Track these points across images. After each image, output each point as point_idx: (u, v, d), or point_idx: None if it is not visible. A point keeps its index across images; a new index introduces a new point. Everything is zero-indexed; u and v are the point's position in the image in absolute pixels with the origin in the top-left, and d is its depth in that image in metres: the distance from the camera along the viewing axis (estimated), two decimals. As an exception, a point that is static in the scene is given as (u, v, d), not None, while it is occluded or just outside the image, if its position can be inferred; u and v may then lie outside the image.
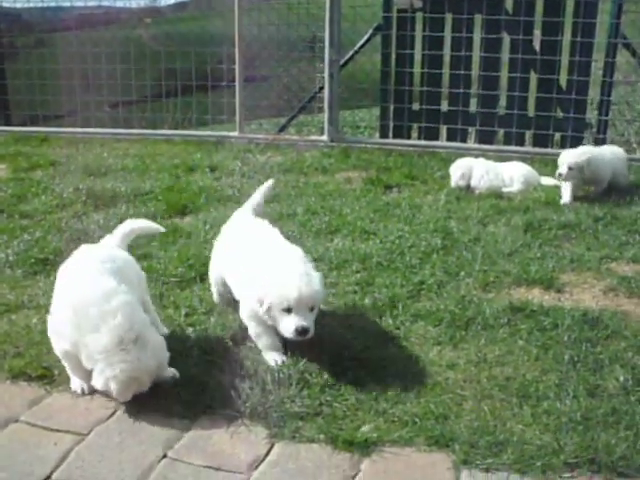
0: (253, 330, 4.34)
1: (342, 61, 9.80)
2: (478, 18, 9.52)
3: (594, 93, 9.48)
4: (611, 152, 7.67)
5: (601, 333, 4.58)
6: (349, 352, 4.28)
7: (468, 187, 7.67)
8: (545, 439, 3.54)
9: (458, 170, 7.74)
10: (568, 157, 7.25)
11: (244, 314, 4.38)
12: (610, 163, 7.42)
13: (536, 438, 3.56)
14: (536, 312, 4.79)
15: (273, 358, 4.20)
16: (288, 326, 4.06)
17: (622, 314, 4.90)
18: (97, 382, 3.76)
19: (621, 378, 4.06)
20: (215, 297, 4.97)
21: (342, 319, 4.76)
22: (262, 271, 4.23)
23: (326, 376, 4.04)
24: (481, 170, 7.74)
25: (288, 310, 4.07)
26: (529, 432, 3.61)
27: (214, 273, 4.94)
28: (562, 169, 7.20)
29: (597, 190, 7.35)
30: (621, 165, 7.63)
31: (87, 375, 3.87)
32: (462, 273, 5.45)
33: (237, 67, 9.85)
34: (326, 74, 9.56)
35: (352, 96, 10.83)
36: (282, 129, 10.85)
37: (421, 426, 3.65)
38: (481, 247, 5.95)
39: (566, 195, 7.18)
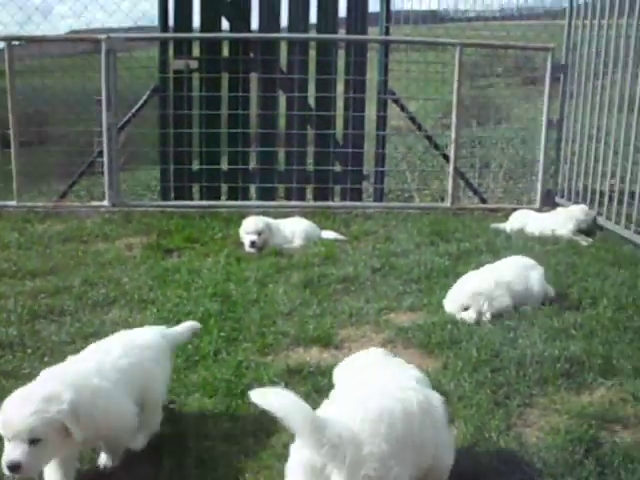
0: None
1: (120, 124, 9.57)
2: (254, 77, 9.61)
3: (369, 146, 9.78)
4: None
5: (378, 388, 4.58)
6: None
7: (261, 249, 7.63)
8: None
9: (261, 232, 7.72)
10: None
11: None
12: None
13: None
14: (313, 373, 4.74)
15: None
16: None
17: (399, 366, 4.94)
18: None
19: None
20: None
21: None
22: None
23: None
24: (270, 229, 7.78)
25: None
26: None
27: None
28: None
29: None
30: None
31: None
32: (240, 337, 5.33)
33: (12, 132, 9.36)
34: (104, 138, 9.27)
35: (132, 159, 10.60)
36: (63, 196, 10.43)
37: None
38: (260, 308, 5.88)
39: None
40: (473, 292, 5.67)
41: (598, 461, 3.80)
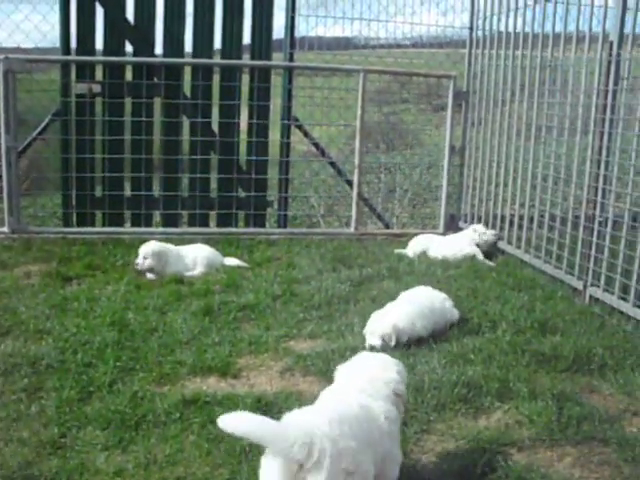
0: None
1: (20, 148, 9.32)
2: (157, 101, 9.52)
3: (273, 172, 9.79)
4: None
5: (275, 417, 4.48)
6: (5, 472, 3.88)
7: (157, 274, 7.56)
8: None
9: (146, 256, 7.63)
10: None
11: None
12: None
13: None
14: (209, 403, 4.67)
15: None
16: None
17: (297, 394, 4.93)
18: None
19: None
20: None
21: (3, 433, 4.35)
22: None
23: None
24: (171, 255, 7.71)
25: None
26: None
27: None
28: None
29: None
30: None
31: None
32: (137, 367, 5.23)
33: None
34: (3, 162, 9.02)
35: (35, 184, 10.35)
36: (-40, 222, 10.11)
37: None
38: (158, 337, 5.79)
39: None
40: (394, 324, 5.67)
41: (492, 485, 3.84)
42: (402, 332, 5.68)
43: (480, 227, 8.92)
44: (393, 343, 5.62)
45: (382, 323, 5.71)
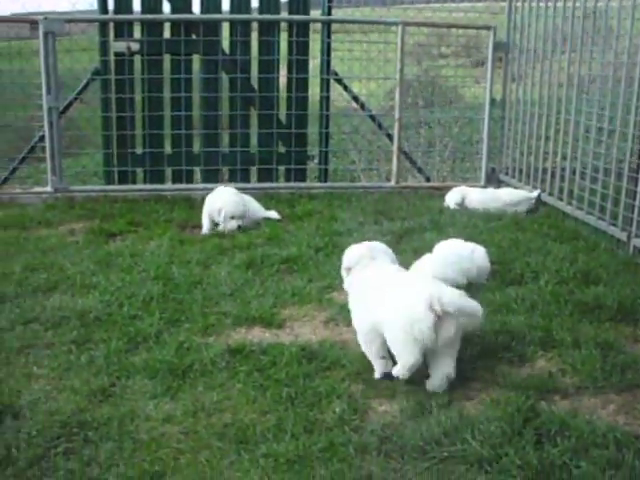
0: None
1: (61, 108, 9.40)
2: (196, 58, 9.52)
3: (313, 126, 9.77)
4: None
5: (319, 366, 4.61)
6: (60, 417, 3.99)
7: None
8: (261, 484, 3.46)
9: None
10: None
11: None
12: None
13: (253, 484, 3.47)
14: (255, 352, 4.74)
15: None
16: None
17: (341, 343, 4.98)
18: None
19: (337, 409, 4.09)
20: None
21: (56, 381, 4.47)
22: None
23: (34, 449, 3.73)
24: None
25: None
26: (246, 479, 3.51)
27: None
28: None
29: None
30: None
31: None
32: (182, 319, 5.32)
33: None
34: (45, 122, 9.11)
35: (75, 143, 10.44)
36: (4, 182, 10.23)
37: (135, 488, 3.46)
38: (202, 290, 5.86)
39: None
40: (433, 277, 5.63)
41: (536, 430, 3.86)
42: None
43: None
44: None
45: None
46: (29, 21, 9.35)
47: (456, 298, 4.27)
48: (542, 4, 8.97)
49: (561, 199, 8.47)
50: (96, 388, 4.35)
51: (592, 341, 4.90)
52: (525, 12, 9.40)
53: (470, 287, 5.81)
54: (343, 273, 4.90)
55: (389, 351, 4.40)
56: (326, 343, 4.92)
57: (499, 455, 3.65)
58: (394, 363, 4.37)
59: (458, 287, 5.66)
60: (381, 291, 4.45)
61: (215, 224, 7.69)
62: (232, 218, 7.62)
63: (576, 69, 8.19)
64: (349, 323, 5.25)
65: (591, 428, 3.85)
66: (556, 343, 4.95)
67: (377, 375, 4.49)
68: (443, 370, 4.35)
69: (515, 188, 9.14)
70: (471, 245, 6.23)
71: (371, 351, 4.54)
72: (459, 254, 6.02)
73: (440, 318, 4.16)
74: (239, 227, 7.59)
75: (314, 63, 9.77)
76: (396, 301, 4.30)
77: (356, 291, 4.68)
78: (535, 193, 8.68)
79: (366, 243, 4.95)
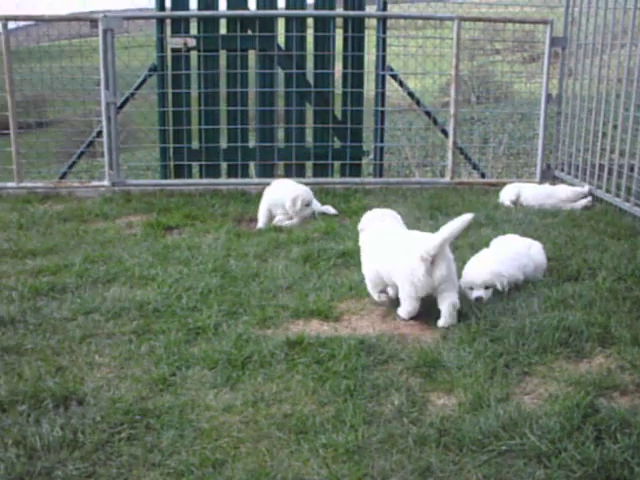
0: None
1: (119, 103, 9.54)
2: (252, 54, 9.60)
3: (368, 122, 9.79)
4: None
5: (378, 358, 4.63)
6: (123, 405, 4.07)
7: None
8: (322, 473, 3.49)
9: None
10: None
11: None
12: None
13: (314, 473, 3.49)
14: (313, 344, 4.76)
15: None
16: None
17: (399, 337, 4.99)
18: None
19: (396, 402, 4.10)
20: None
21: (117, 370, 4.55)
22: None
23: (98, 434, 3.81)
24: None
25: None
26: (306, 468, 3.54)
27: None
28: None
29: None
30: None
31: None
32: (240, 311, 5.36)
33: (10, 114, 9.34)
34: (103, 118, 9.26)
35: (132, 138, 10.59)
36: (63, 176, 10.41)
37: (197, 475, 3.50)
38: (259, 283, 5.90)
39: None
40: (492, 272, 5.61)
41: (595, 426, 3.82)
42: (499, 276, 5.62)
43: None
44: (500, 287, 5.58)
45: (479, 273, 5.65)
46: (90, 20, 9.49)
47: (438, 242, 5.09)
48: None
49: (618, 196, 8.37)
50: (157, 377, 4.40)
51: (652, 338, 4.85)
52: (584, 5, 9.29)
53: (527, 283, 5.80)
54: (359, 232, 5.80)
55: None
56: (384, 337, 4.93)
57: (558, 450, 3.63)
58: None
59: (516, 283, 5.69)
60: (384, 247, 5.42)
61: (271, 219, 7.76)
62: (307, 205, 7.74)
63: (636, 63, 8.07)
64: (406, 317, 5.31)
65: (653, 426, 3.82)
66: (614, 340, 4.88)
67: (376, 299, 5.58)
68: (448, 301, 5.13)
69: (571, 185, 9.06)
70: (528, 241, 6.19)
71: (374, 290, 5.56)
72: (516, 250, 5.99)
73: (432, 262, 5.07)
74: (313, 213, 7.78)
75: (369, 58, 9.79)
76: (397, 257, 5.24)
77: (366, 246, 5.64)
78: (586, 188, 8.62)
79: (377, 209, 5.88)
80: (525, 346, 4.73)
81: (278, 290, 5.77)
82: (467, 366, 4.50)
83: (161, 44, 9.52)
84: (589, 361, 4.67)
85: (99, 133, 9.72)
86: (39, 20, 9.74)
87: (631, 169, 8.18)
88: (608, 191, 8.62)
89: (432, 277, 5.09)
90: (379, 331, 5.08)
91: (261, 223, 7.77)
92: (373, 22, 9.81)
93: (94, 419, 3.92)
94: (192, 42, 9.55)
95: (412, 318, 5.30)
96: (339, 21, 9.72)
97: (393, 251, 5.32)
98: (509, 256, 5.87)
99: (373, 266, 5.49)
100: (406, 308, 5.27)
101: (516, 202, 8.53)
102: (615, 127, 8.54)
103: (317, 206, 8.02)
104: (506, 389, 4.26)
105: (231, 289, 5.78)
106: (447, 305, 5.12)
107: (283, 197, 7.77)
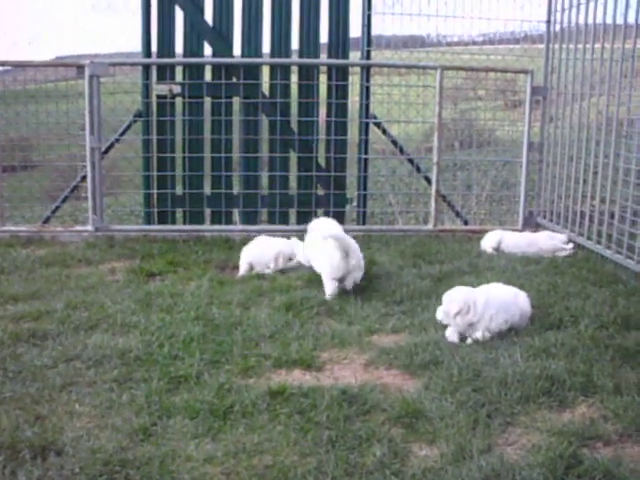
0: None
1: (103, 149, 9.56)
2: (236, 101, 9.67)
3: (351, 169, 9.85)
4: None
5: (360, 409, 4.61)
6: (102, 455, 4.02)
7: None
8: (304, 528, 3.46)
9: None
10: None
11: None
12: None
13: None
14: (295, 394, 4.73)
15: None
16: None
17: (382, 387, 4.96)
18: None
19: (378, 453, 4.07)
20: None
21: (98, 419, 4.50)
22: None
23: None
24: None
25: None
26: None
27: None
28: None
29: None
30: None
31: None
32: (222, 360, 5.33)
33: (-6, 157, 9.34)
34: (88, 163, 9.27)
35: (116, 183, 10.60)
36: (46, 220, 10.38)
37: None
38: (242, 331, 5.88)
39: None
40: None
41: (579, 478, 3.82)
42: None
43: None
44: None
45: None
46: (76, 65, 9.57)
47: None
48: (580, 46, 9.01)
49: (600, 243, 8.42)
50: (137, 427, 4.36)
51: (634, 387, 4.85)
52: (563, 54, 9.45)
53: (509, 331, 5.81)
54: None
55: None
56: (366, 386, 4.91)
57: (542, 502, 3.62)
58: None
59: (500, 332, 5.70)
60: (317, 248, 6.98)
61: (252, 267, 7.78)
62: (290, 260, 7.80)
63: (614, 112, 8.19)
64: (389, 366, 5.31)
65: (636, 477, 3.81)
66: (597, 389, 4.89)
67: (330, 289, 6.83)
68: (352, 276, 6.78)
69: (553, 231, 9.12)
70: (514, 289, 6.22)
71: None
72: (503, 299, 6.01)
73: (346, 254, 6.66)
74: (298, 263, 7.80)
75: (353, 106, 9.88)
76: (322, 254, 6.85)
77: (307, 248, 7.31)
78: (564, 236, 8.72)
79: (319, 219, 7.81)
80: (507, 396, 4.73)
81: (261, 339, 5.74)
82: (449, 416, 4.48)
83: (146, 90, 9.58)
84: (572, 411, 4.67)
85: (83, 178, 9.73)
86: (28, 66, 9.78)
87: (612, 216, 8.25)
88: (589, 238, 8.68)
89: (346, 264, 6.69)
90: (361, 381, 5.06)
91: (243, 271, 7.76)
92: (357, 68, 9.90)
93: (72, 470, 3.87)
94: (177, 89, 9.62)
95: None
96: (323, 68, 9.81)
97: (322, 250, 6.84)
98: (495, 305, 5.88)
99: (313, 263, 7.17)
100: (327, 289, 6.78)
101: (498, 249, 8.59)
102: (595, 174, 8.63)
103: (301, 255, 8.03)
104: (488, 440, 4.25)
105: (213, 337, 5.75)
106: (351, 278, 6.79)
107: (264, 254, 7.83)
